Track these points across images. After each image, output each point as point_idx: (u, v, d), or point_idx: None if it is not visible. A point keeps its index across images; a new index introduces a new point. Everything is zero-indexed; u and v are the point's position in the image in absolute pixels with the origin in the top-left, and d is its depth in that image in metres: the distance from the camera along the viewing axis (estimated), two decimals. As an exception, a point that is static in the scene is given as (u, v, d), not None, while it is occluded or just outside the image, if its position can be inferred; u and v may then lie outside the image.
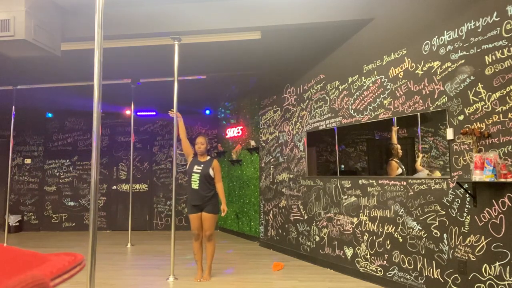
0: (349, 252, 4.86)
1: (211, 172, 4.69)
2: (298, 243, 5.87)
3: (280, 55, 5.60)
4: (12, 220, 8.62)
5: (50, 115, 9.20)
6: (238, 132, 8.07)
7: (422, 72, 3.96)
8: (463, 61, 3.56)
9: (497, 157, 3.19)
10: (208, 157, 4.84)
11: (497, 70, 3.27)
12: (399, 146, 4.27)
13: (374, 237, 4.49)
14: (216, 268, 5.24)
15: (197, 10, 4.37)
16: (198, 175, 4.67)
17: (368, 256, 4.57)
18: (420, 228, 3.93)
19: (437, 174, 3.81)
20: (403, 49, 4.20)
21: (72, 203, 9.06)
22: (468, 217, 3.47)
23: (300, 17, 4.35)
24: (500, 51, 3.24)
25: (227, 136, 8.51)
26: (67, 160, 9.19)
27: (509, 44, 3.18)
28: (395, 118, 4.28)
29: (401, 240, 4.14)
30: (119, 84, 6.61)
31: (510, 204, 3.15)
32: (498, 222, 3.23)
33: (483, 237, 3.35)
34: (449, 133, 3.64)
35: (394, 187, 4.25)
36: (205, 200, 4.64)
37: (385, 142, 4.56)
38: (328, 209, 5.24)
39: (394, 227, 4.24)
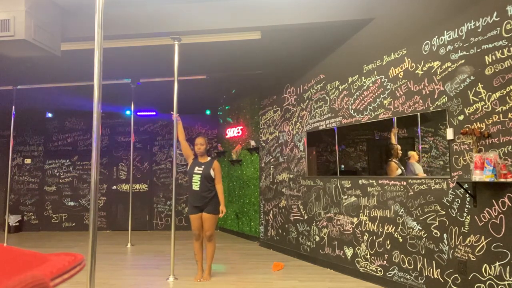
0: (349, 252, 4.86)
1: (211, 173, 4.69)
2: (298, 243, 5.87)
3: (280, 55, 5.60)
4: (12, 220, 8.62)
5: (50, 115, 9.20)
6: (238, 132, 8.07)
7: (422, 72, 3.97)
8: (463, 61, 3.56)
9: (497, 157, 3.19)
10: (209, 158, 4.85)
11: (497, 70, 3.27)
12: (399, 147, 4.26)
13: (374, 237, 4.49)
14: (215, 268, 5.24)
15: (197, 10, 4.37)
16: (199, 176, 4.68)
17: (368, 256, 4.57)
18: (420, 228, 3.93)
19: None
20: (403, 49, 4.20)
21: (72, 203, 9.06)
22: (468, 217, 3.47)
23: (300, 17, 4.35)
24: (500, 51, 3.24)
25: (227, 136, 8.51)
26: (67, 160, 9.19)
27: (509, 44, 3.18)
28: (395, 118, 4.28)
29: (401, 240, 4.14)
30: (119, 84, 6.61)
31: (510, 204, 3.15)
32: (498, 222, 3.23)
33: (483, 237, 3.35)
34: (449, 133, 3.64)
35: (394, 187, 4.25)
36: (206, 201, 4.65)
37: (385, 142, 4.56)
38: (328, 209, 5.24)
39: (394, 227, 4.24)
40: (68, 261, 0.67)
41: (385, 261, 4.34)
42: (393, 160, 4.31)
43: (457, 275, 3.56)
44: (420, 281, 3.92)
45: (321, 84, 5.49)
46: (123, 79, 6.52)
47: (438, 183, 3.76)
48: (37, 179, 9.18)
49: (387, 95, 4.38)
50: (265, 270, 5.18)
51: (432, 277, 3.80)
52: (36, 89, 6.91)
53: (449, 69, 3.68)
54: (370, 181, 4.57)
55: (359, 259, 4.70)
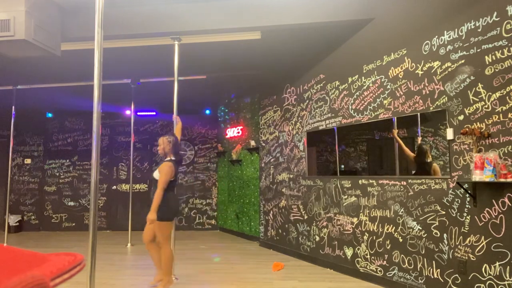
0: (349, 252, 4.86)
1: (155, 175, 4.23)
2: (298, 243, 5.87)
3: (280, 55, 5.60)
4: (12, 220, 8.62)
5: (50, 115, 9.20)
6: (238, 132, 8.07)
7: (422, 72, 3.97)
8: (463, 61, 3.56)
9: (497, 157, 3.19)
10: (167, 159, 4.32)
11: (497, 70, 3.27)
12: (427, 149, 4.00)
13: (374, 237, 4.49)
14: (216, 268, 5.25)
15: (197, 10, 4.37)
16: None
17: (368, 256, 4.57)
18: (420, 228, 3.93)
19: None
20: (403, 49, 4.20)
21: (72, 203, 9.05)
22: (468, 217, 3.47)
23: (300, 17, 4.35)
24: (500, 51, 3.24)
25: (227, 136, 8.51)
26: (67, 160, 9.18)
27: (509, 44, 3.18)
28: (395, 118, 4.28)
29: (401, 240, 4.14)
30: (119, 84, 6.61)
31: (510, 204, 3.15)
32: (498, 222, 3.23)
33: (483, 237, 3.35)
34: (449, 133, 3.64)
35: (394, 187, 4.25)
36: None
37: (385, 142, 4.56)
38: (328, 209, 5.24)
39: (394, 227, 4.24)
40: (68, 261, 0.67)
41: (385, 261, 4.34)
42: (435, 162, 4.07)
43: (457, 275, 3.56)
44: (420, 281, 3.92)
45: (321, 84, 5.49)
46: (123, 79, 6.52)
47: (438, 183, 3.76)
48: (37, 179, 9.18)
49: (387, 95, 4.38)
50: (265, 270, 5.18)
51: (432, 277, 3.80)
52: (36, 89, 6.90)
53: (449, 69, 3.68)
54: (370, 181, 4.57)
55: (359, 259, 4.70)
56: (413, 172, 4.13)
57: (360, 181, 4.72)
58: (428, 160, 3.97)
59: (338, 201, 5.06)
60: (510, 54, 3.18)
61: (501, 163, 3.15)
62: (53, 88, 6.78)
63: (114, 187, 9.07)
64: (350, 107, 4.92)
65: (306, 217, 5.70)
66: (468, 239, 3.47)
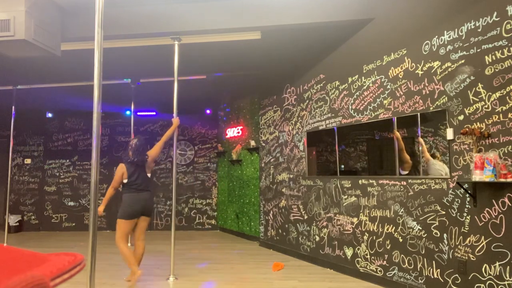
0: (349, 252, 4.86)
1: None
2: (298, 243, 5.87)
3: (280, 55, 5.59)
4: (12, 220, 8.62)
5: (50, 115, 9.20)
6: (238, 132, 8.07)
7: (422, 72, 3.96)
8: (463, 61, 3.55)
9: (497, 157, 3.19)
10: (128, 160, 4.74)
11: (497, 70, 3.27)
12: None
13: (374, 237, 4.49)
14: (215, 268, 5.24)
15: (197, 10, 4.37)
16: None
17: (368, 256, 4.57)
18: (420, 228, 3.93)
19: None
20: (403, 49, 4.20)
21: (72, 203, 9.05)
22: (468, 217, 3.47)
23: (300, 17, 4.35)
24: (500, 51, 3.24)
25: (227, 136, 8.51)
26: (67, 160, 9.18)
27: (509, 44, 3.18)
28: (395, 118, 4.27)
29: (401, 240, 4.14)
30: (119, 84, 6.61)
31: (510, 204, 3.15)
32: (498, 222, 3.23)
33: (483, 237, 3.35)
34: (449, 133, 3.64)
35: (394, 187, 4.25)
36: None
37: (385, 142, 4.56)
38: (328, 209, 5.24)
39: (394, 227, 4.24)
40: (68, 261, 0.67)
41: (385, 261, 4.34)
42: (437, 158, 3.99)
43: (457, 275, 3.56)
44: (420, 281, 3.92)
45: (321, 84, 5.49)
46: (123, 79, 6.52)
47: (438, 183, 3.76)
48: (37, 179, 9.17)
49: (387, 95, 4.38)
50: (265, 270, 5.18)
51: (432, 277, 3.80)
52: (36, 89, 6.90)
53: (449, 69, 3.68)
54: (370, 181, 4.57)
55: (359, 259, 4.70)
56: (406, 173, 4.14)
57: (360, 181, 4.72)
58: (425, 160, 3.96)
59: (338, 201, 5.06)
60: (510, 54, 3.17)
61: (501, 163, 3.15)
62: (53, 88, 6.78)
63: (114, 187, 9.05)
64: (350, 107, 4.92)
65: (306, 217, 5.70)
66: (468, 239, 3.47)
